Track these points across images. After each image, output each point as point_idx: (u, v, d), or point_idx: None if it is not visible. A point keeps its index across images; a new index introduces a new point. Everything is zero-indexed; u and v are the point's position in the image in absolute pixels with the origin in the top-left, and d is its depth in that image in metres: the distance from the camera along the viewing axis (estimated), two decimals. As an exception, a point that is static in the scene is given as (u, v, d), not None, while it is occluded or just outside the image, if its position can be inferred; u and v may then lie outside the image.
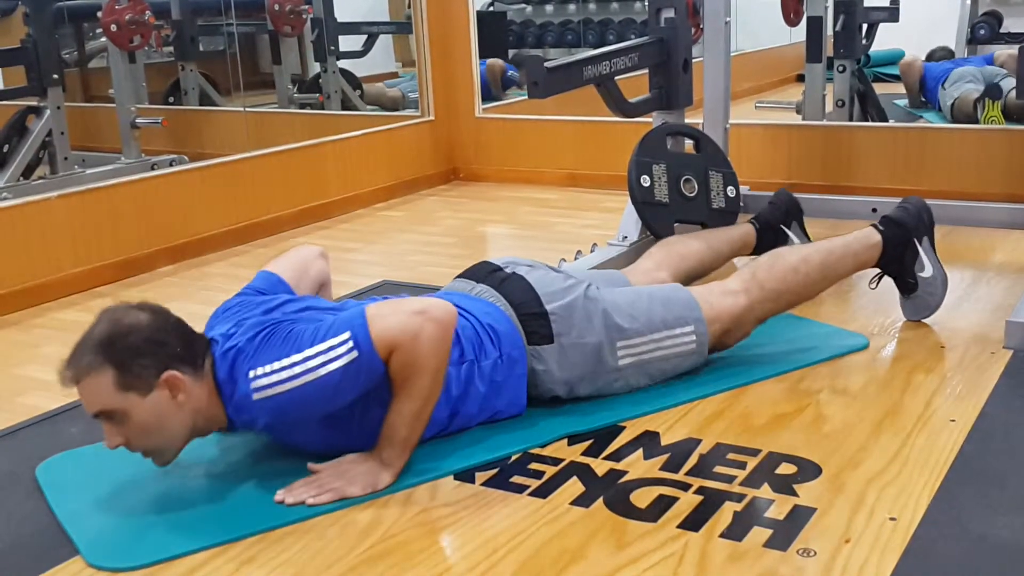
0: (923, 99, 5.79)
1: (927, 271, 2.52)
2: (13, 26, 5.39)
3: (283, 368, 1.80)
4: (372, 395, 1.88)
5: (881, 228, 2.48)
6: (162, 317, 1.86)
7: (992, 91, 4.97)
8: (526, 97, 2.97)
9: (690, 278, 2.79)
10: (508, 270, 2.25)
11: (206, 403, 1.86)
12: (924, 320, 2.54)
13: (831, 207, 3.72)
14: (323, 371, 1.79)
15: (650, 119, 3.44)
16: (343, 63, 5.87)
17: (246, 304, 2.03)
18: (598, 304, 2.17)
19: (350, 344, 1.79)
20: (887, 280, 2.56)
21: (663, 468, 1.94)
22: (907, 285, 2.54)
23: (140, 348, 1.80)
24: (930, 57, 6.17)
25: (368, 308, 1.85)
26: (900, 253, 2.48)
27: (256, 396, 1.81)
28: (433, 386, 1.88)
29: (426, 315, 1.83)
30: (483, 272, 2.27)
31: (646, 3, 3.41)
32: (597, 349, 2.15)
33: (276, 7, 5.59)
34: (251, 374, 1.81)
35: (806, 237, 2.99)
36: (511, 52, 6.67)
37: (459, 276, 2.32)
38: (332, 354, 1.79)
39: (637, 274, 2.60)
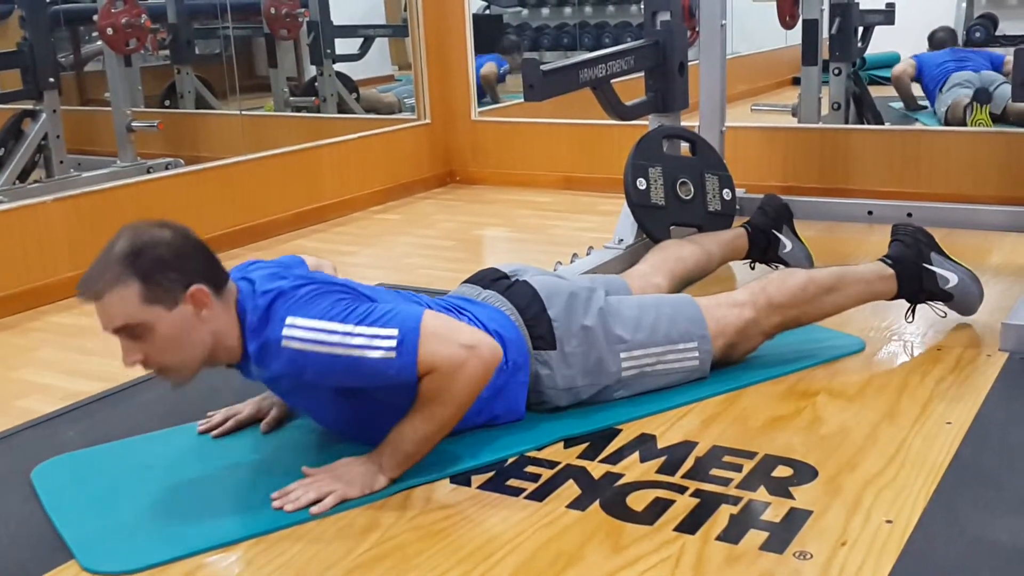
0: (919, 105, 5.79)
1: (952, 281, 2.53)
2: (9, 30, 5.39)
3: (321, 329, 1.79)
4: (395, 394, 1.87)
5: (891, 263, 2.49)
6: (185, 234, 1.85)
7: (980, 95, 4.98)
8: (522, 100, 2.98)
9: (685, 282, 2.81)
10: (514, 277, 2.25)
11: (225, 330, 1.86)
12: (914, 317, 2.54)
13: (827, 210, 3.74)
14: (356, 352, 1.78)
15: (646, 122, 3.45)
16: (339, 66, 5.87)
17: (283, 263, 2.04)
18: (602, 313, 2.17)
19: (394, 343, 1.78)
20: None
21: (659, 471, 1.94)
22: (943, 299, 2.55)
23: (167, 261, 1.79)
24: (931, 38, 6.07)
25: (425, 321, 1.82)
26: (918, 284, 2.50)
27: (284, 343, 1.80)
28: (454, 417, 1.87)
29: (474, 351, 1.82)
30: (489, 278, 2.27)
31: (642, 6, 3.41)
32: (599, 357, 2.15)
33: (272, 10, 5.59)
34: (288, 320, 1.80)
35: (798, 239, 3.00)
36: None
37: (465, 281, 2.32)
38: (374, 343, 1.78)
39: (634, 279, 2.60)
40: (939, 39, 5.98)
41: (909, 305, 2.54)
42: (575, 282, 2.27)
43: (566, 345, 2.13)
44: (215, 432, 2.15)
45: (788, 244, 2.98)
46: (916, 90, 5.87)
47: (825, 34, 4.85)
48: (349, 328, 1.79)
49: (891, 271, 2.47)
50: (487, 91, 6.01)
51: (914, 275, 2.49)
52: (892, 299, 2.50)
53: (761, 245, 2.98)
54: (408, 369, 1.79)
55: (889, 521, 1.71)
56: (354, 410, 1.96)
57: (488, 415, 2.09)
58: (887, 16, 5.28)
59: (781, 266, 2.96)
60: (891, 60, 6.34)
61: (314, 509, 1.82)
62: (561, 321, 2.14)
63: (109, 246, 1.80)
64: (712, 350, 2.26)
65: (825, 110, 4.82)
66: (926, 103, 5.78)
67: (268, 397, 2.20)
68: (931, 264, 2.51)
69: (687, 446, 2.03)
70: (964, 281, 2.55)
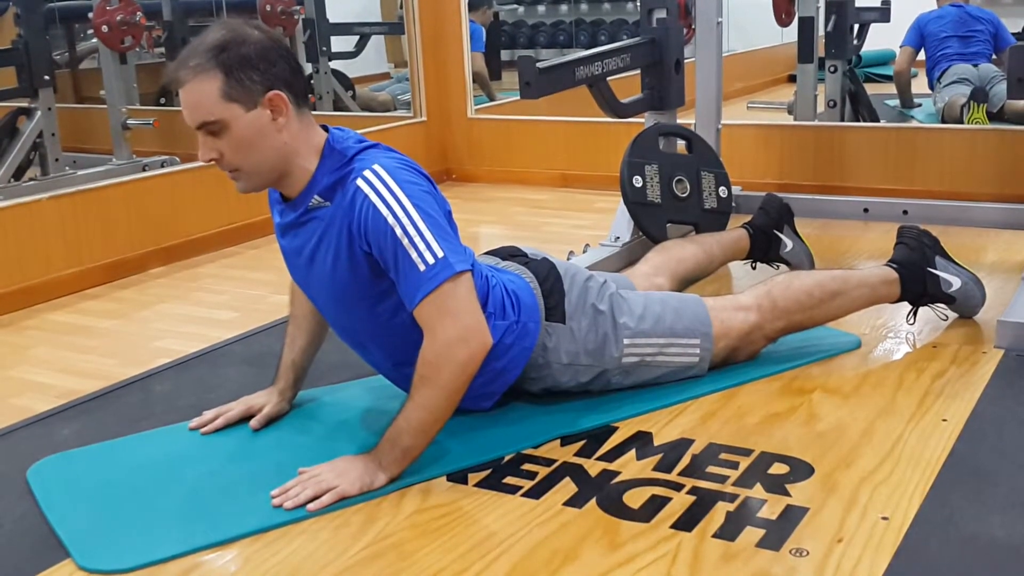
0: (916, 103, 5.78)
1: (955, 285, 2.53)
2: (4, 27, 5.38)
3: (395, 195, 1.83)
4: (391, 317, 1.93)
5: (896, 267, 2.49)
6: (274, 38, 1.89)
7: (978, 94, 4.99)
8: (518, 97, 2.98)
9: (686, 282, 2.82)
10: (532, 255, 2.28)
11: (300, 148, 1.89)
12: (916, 320, 2.55)
13: (822, 207, 3.74)
14: (403, 239, 1.82)
15: (642, 119, 3.45)
16: (335, 64, 5.86)
17: None
18: (612, 299, 2.20)
19: (432, 261, 1.81)
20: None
21: (656, 468, 1.94)
22: (947, 302, 2.55)
23: (251, 60, 1.82)
24: None
25: (463, 278, 1.85)
26: (922, 288, 2.50)
27: (359, 181, 1.85)
28: (446, 407, 1.87)
29: (467, 343, 1.83)
30: (508, 253, 2.29)
31: (638, 4, 3.41)
32: (604, 340, 2.16)
33: (267, 8, 5.57)
34: (375, 167, 1.86)
35: (798, 238, 3.00)
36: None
37: (485, 253, 2.33)
38: (419, 246, 1.82)
39: (635, 278, 2.62)
40: None
41: (911, 307, 2.54)
42: (588, 271, 2.29)
43: (575, 321, 2.14)
44: (204, 429, 2.16)
45: (789, 244, 2.99)
46: (914, 87, 5.87)
47: (821, 31, 4.86)
48: (415, 216, 1.83)
49: (895, 275, 2.47)
50: (482, 89, 6.01)
51: (918, 279, 2.49)
52: (895, 302, 2.51)
53: (763, 245, 2.98)
54: (417, 292, 1.82)
55: (885, 518, 1.72)
56: (353, 303, 1.97)
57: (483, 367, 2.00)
58: (883, 14, 5.29)
59: (783, 266, 2.96)
60: (887, 57, 6.34)
61: (311, 506, 1.81)
62: (574, 298, 2.16)
63: (202, 36, 1.84)
64: (713, 349, 2.27)
65: (821, 107, 4.82)
66: (922, 101, 5.79)
67: (259, 396, 2.21)
68: (935, 268, 2.51)
69: (684, 443, 2.03)
70: (967, 285, 2.56)
